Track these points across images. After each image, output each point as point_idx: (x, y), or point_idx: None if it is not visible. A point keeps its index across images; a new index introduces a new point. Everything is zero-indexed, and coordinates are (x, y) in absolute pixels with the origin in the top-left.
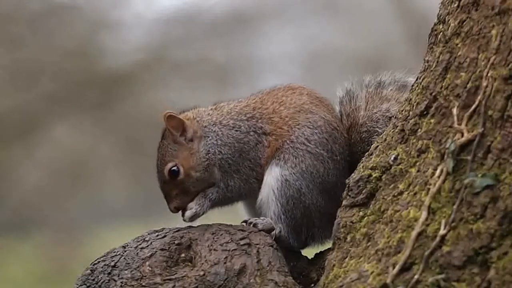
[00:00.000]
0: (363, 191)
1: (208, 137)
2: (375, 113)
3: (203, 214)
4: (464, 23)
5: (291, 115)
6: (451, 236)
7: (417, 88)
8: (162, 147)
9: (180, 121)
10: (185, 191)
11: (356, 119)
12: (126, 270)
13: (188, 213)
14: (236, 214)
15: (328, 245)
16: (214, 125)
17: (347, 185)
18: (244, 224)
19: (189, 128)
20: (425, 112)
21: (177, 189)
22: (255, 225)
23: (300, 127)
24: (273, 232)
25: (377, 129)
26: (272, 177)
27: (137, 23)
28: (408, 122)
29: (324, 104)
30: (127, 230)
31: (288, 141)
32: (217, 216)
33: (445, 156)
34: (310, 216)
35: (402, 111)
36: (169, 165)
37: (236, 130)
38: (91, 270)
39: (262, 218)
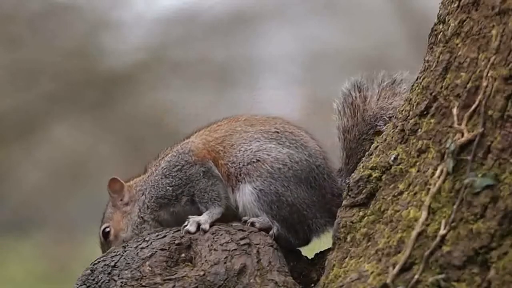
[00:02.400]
0: (363, 191)
1: (140, 196)
2: (387, 103)
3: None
4: (464, 23)
5: (222, 137)
6: (451, 236)
7: (417, 88)
8: (104, 209)
9: (121, 185)
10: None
11: (365, 107)
12: (126, 270)
13: (192, 228)
14: None
15: (329, 235)
16: (145, 183)
17: (347, 185)
18: (243, 223)
19: (126, 193)
20: (425, 112)
21: (109, 247)
22: (252, 223)
23: (236, 145)
24: (272, 232)
25: (384, 116)
26: (245, 194)
27: (137, 23)
28: (408, 122)
29: (260, 121)
30: None
31: (230, 163)
32: None
33: (445, 156)
34: (298, 210)
35: (402, 111)
36: (102, 227)
37: (170, 175)
38: (91, 270)
39: (260, 217)
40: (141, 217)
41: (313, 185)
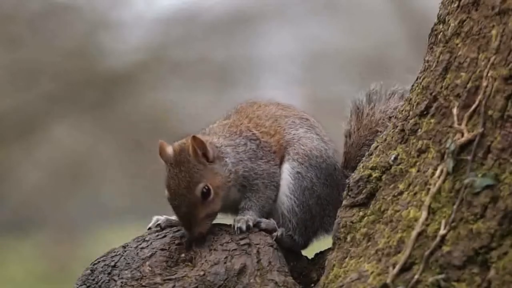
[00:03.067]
0: (363, 191)
1: (225, 158)
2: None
3: (250, 227)
4: (464, 23)
5: (272, 124)
6: (451, 236)
7: (417, 88)
8: (184, 170)
9: (203, 142)
10: (210, 214)
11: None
12: (126, 270)
13: (242, 225)
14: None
15: (330, 239)
16: (225, 147)
17: (347, 185)
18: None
19: (209, 149)
20: (425, 112)
21: (204, 212)
22: (258, 223)
23: (286, 129)
24: (275, 233)
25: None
26: (283, 173)
27: (137, 23)
28: (408, 122)
29: (282, 107)
30: (127, 230)
31: (285, 142)
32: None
33: (445, 156)
34: (322, 204)
35: (402, 111)
36: (200, 185)
37: (238, 145)
38: (91, 270)
39: (267, 219)
40: (229, 181)
41: (333, 184)
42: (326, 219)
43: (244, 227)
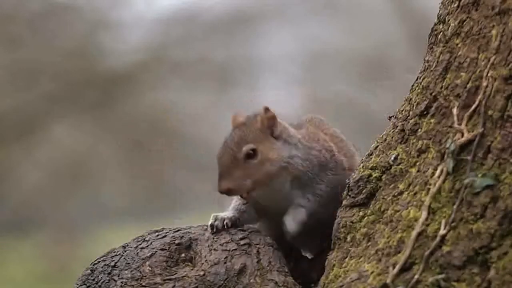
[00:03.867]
0: (363, 191)
1: (292, 145)
2: None
3: (301, 226)
4: (464, 23)
5: (344, 146)
6: (451, 236)
7: (417, 88)
8: (245, 128)
9: (275, 116)
10: (246, 178)
11: None
12: (126, 270)
13: (293, 224)
14: None
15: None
16: (297, 141)
17: (347, 185)
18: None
19: (278, 127)
20: (425, 112)
21: (240, 172)
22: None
23: (353, 155)
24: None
25: None
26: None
27: (137, 23)
28: (408, 122)
29: (334, 135)
30: (127, 230)
31: (350, 166)
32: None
33: (445, 156)
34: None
35: (402, 111)
36: (251, 145)
37: (312, 148)
38: (91, 270)
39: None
40: (284, 163)
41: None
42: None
43: (293, 225)
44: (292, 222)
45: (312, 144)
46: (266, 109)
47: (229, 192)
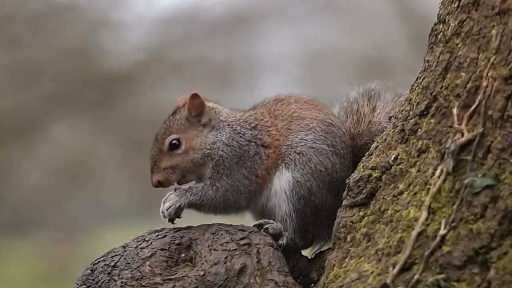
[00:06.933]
0: (363, 191)
1: (219, 131)
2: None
3: (181, 208)
4: (464, 23)
5: (285, 126)
6: (451, 236)
7: (417, 88)
8: (170, 120)
9: (202, 103)
10: (174, 168)
11: (372, 118)
12: (126, 270)
13: (166, 204)
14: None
15: (330, 244)
16: (227, 124)
17: (347, 185)
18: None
19: (206, 114)
20: (425, 112)
21: (168, 163)
22: (266, 229)
23: (293, 132)
24: (280, 241)
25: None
26: (283, 180)
27: (137, 23)
28: (408, 122)
29: (313, 105)
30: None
31: (285, 146)
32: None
33: (445, 156)
34: (319, 214)
35: (402, 111)
36: (173, 136)
37: (241, 136)
38: (91, 270)
39: (272, 221)
40: (208, 150)
41: (340, 196)
42: (322, 229)
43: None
44: (167, 203)
45: (243, 131)
46: (193, 96)
47: (160, 185)
